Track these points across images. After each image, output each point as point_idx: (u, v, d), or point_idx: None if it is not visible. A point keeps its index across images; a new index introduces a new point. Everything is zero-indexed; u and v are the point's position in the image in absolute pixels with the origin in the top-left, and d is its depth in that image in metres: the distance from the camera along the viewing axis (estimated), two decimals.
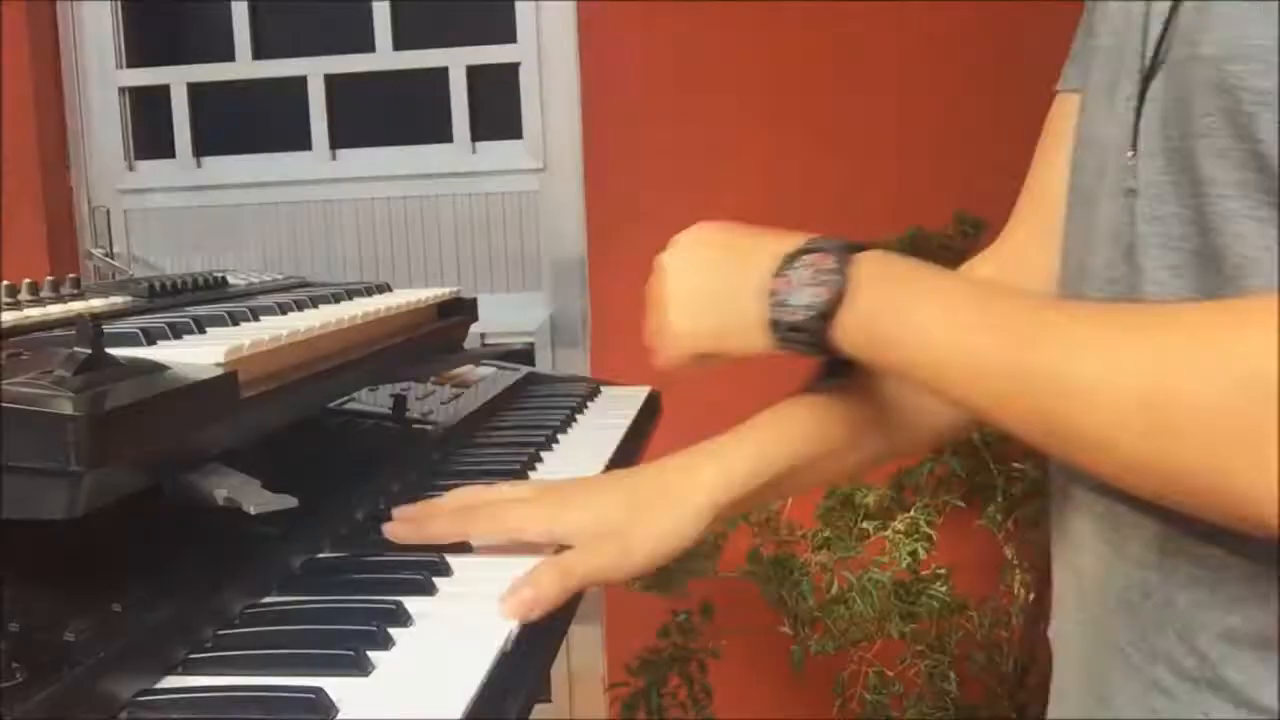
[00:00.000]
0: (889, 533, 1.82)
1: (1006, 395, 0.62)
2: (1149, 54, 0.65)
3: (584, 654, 2.43)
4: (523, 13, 2.42)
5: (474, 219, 2.47)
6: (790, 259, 0.71)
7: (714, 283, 0.76)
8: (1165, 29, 0.64)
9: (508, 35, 2.44)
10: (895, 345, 0.67)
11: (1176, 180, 0.62)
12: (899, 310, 0.67)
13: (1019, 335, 0.62)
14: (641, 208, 2.27)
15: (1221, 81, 0.57)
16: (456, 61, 2.46)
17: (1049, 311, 0.64)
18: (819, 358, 0.72)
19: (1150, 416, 0.54)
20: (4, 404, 0.56)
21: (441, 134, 2.48)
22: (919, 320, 0.66)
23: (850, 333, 0.68)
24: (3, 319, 0.83)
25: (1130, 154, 0.66)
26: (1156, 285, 0.64)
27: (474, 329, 1.36)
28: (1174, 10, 0.63)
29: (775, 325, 0.71)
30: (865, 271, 0.68)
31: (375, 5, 2.47)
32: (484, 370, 1.44)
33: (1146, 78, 0.65)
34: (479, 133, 2.47)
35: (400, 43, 2.49)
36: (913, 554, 1.78)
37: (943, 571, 1.81)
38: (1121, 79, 0.68)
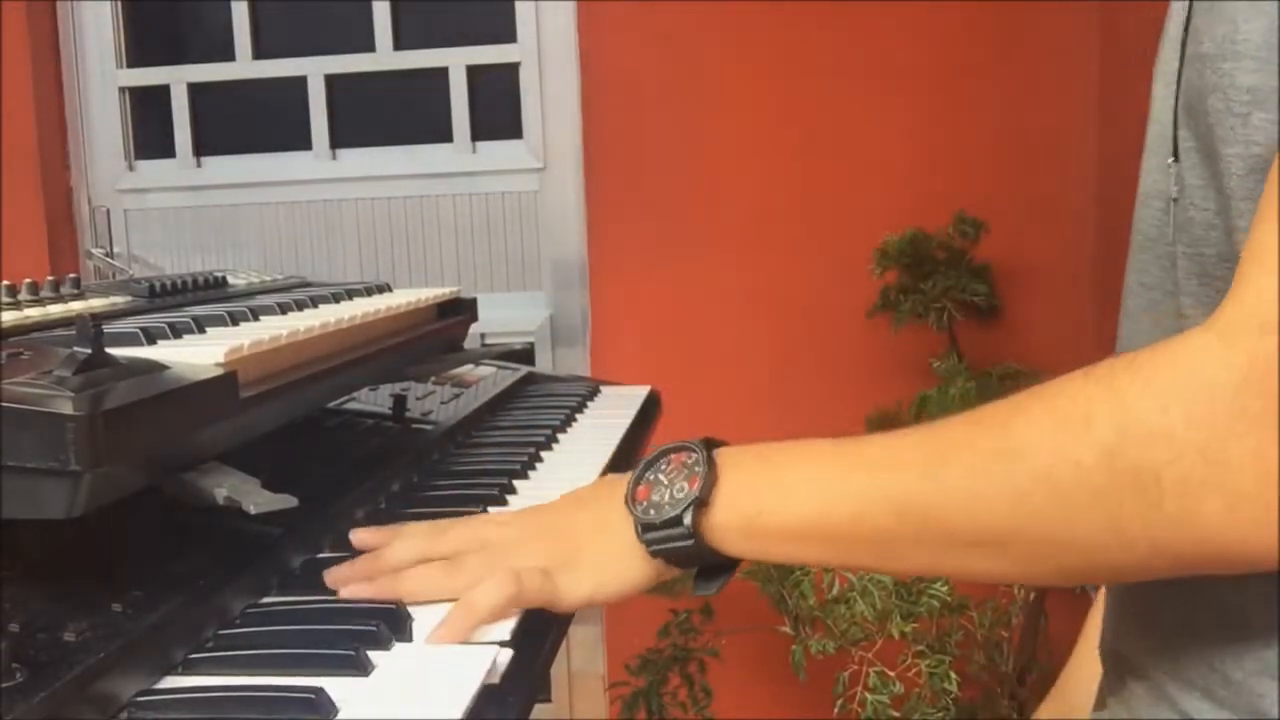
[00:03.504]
0: None
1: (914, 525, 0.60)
2: (1178, 57, 0.59)
3: (584, 654, 2.43)
4: (523, 13, 2.42)
5: (474, 219, 2.47)
6: (650, 464, 0.69)
7: (559, 520, 0.71)
8: (1185, 30, 0.58)
9: (508, 35, 2.44)
10: (770, 512, 0.65)
11: (1205, 185, 0.57)
12: (770, 475, 0.66)
13: (903, 463, 0.61)
14: (641, 208, 2.27)
15: (1216, 82, 0.53)
16: (456, 61, 2.46)
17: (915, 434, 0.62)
18: (693, 562, 0.68)
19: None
20: (4, 404, 0.56)
21: (442, 134, 2.48)
22: (790, 479, 0.65)
23: (725, 514, 0.66)
24: (3, 319, 0.83)
25: (1171, 160, 0.60)
26: (1190, 297, 0.60)
27: (474, 329, 1.36)
28: (1190, 10, 0.58)
29: (647, 529, 0.67)
30: (727, 456, 0.67)
31: (375, 5, 2.47)
32: (484, 370, 1.44)
33: (1179, 82, 0.59)
34: (479, 133, 2.47)
35: (400, 43, 2.48)
36: None
37: None
38: (1160, 85, 0.63)
